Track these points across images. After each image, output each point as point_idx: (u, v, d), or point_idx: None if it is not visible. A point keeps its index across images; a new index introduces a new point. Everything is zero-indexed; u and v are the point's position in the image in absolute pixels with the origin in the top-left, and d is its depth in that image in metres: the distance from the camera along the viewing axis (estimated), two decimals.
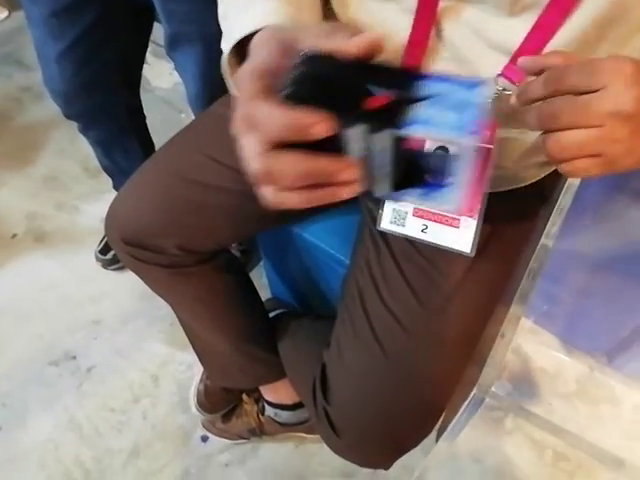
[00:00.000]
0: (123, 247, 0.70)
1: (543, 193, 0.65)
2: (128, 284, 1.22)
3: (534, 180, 0.60)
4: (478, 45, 0.44)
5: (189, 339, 0.84)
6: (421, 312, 0.57)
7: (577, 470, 0.92)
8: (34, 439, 0.99)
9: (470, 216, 0.54)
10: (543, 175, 0.60)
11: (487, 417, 0.99)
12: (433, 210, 0.55)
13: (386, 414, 0.57)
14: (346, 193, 0.31)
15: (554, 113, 0.34)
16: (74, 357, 1.10)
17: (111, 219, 0.72)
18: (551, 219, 0.65)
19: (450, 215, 0.55)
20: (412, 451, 0.89)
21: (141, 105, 1.07)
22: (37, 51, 0.87)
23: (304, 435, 0.93)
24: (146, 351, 1.11)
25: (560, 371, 1.07)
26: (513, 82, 0.43)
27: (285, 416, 0.87)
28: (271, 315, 0.93)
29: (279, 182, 0.31)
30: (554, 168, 0.61)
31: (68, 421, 1.01)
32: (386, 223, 0.56)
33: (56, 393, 1.05)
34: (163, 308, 1.18)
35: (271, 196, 0.32)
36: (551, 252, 1.11)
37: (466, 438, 0.96)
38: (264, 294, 1.05)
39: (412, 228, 0.56)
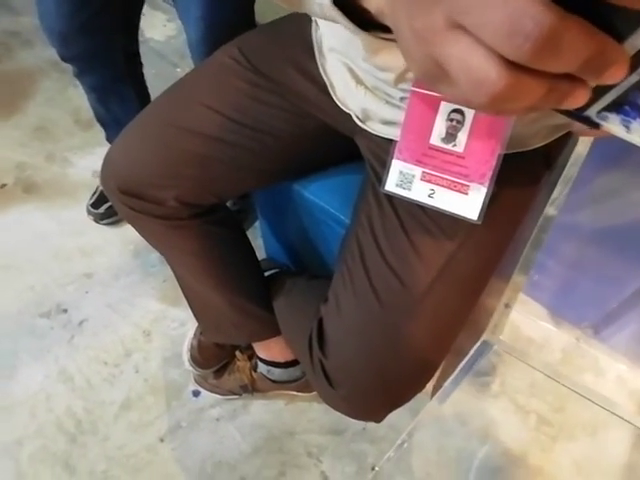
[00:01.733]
0: (119, 197, 0.69)
1: (548, 160, 0.64)
2: (120, 239, 1.21)
3: (540, 145, 0.59)
4: None
5: (184, 293, 0.84)
6: (421, 269, 0.57)
7: (559, 434, 0.95)
8: (25, 390, 0.99)
9: (480, 183, 0.53)
10: (550, 140, 0.59)
11: (474, 381, 1.02)
12: (444, 175, 0.54)
13: (381, 367, 0.58)
14: (579, 97, 0.22)
15: None
16: (65, 310, 1.10)
17: (108, 167, 0.70)
18: (557, 188, 0.65)
19: (460, 181, 0.54)
20: (400, 412, 0.91)
21: (139, 52, 1.03)
22: None
23: (295, 393, 0.95)
24: (138, 306, 1.10)
25: (547, 341, 1.10)
26: None
27: (277, 373, 0.88)
28: (266, 275, 0.92)
29: (560, 56, 0.19)
30: (562, 133, 0.60)
31: (59, 373, 1.01)
32: (391, 185, 0.55)
33: (47, 345, 1.05)
34: (156, 265, 1.18)
35: (514, 81, 0.20)
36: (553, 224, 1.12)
37: (453, 401, 0.99)
38: (259, 255, 1.05)
39: (418, 192, 0.54)
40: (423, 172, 0.54)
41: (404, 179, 0.55)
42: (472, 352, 0.43)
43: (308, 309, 0.70)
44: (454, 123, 0.53)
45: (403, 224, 0.59)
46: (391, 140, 0.59)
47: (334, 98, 0.63)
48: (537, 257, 1.13)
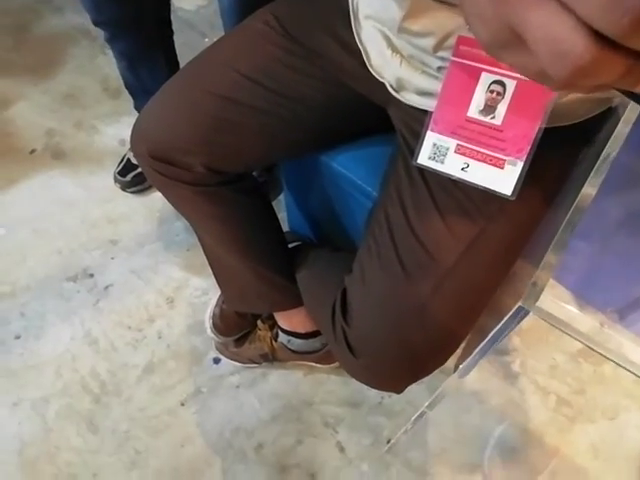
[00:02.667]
0: (149, 161, 0.69)
1: (587, 135, 0.62)
2: (146, 207, 1.22)
3: (580, 120, 0.57)
4: None
5: (208, 261, 0.85)
6: (451, 243, 0.56)
7: (578, 416, 0.95)
8: (52, 349, 1.02)
9: (518, 157, 0.51)
10: (591, 115, 0.57)
11: (494, 360, 1.01)
12: (480, 148, 0.52)
13: (404, 338, 0.58)
14: None
15: None
16: (91, 275, 1.12)
17: (138, 132, 0.70)
18: (596, 167, 0.63)
19: (496, 155, 0.52)
20: (418, 389, 0.92)
21: (170, 19, 1.03)
22: None
23: (314, 364, 0.96)
24: (162, 274, 1.12)
25: (570, 325, 1.08)
26: None
27: (298, 344, 0.89)
28: (289, 247, 0.93)
29: None
30: (604, 108, 0.58)
31: (85, 335, 1.04)
32: (424, 158, 0.54)
33: (73, 308, 1.07)
34: (180, 233, 1.19)
35: None
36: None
37: (472, 379, 0.98)
38: (283, 228, 1.05)
39: (452, 166, 0.53)
40: (458, 145, 0.53)
41: (438, 152, 0.54)
42: (508, 316, 0.43)
43: (331, 280, 0.70)
44: (494, 95, 0.51)
45: (434, 197, 0.58)
46: (425, 111, 0.58)
47: (368, 66, 0.62)
48: (572, 238, 1.11)
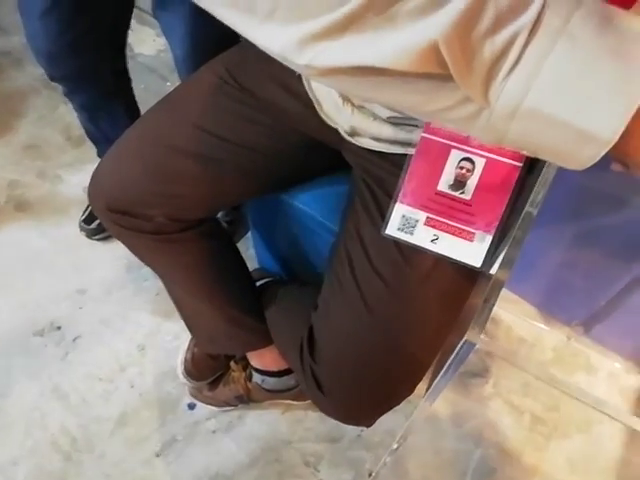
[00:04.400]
0: (108, 215, 0.69)
1: (530, 162, 0.66)
2: (113, 254, 1.21)
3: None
4: None
5: (176, 306, 0.84)
6: (409, 274, 0.58)
7: (553, 433, 0.96)
8: (20, 408, 0.99)
9: (486, 231, 0.53)
10: None
11: (467, 383, 1.02)
12: (450, 221, 0.54)
13: (370, 372, 0.59)
14: None
15: None
16: (59, 327, 1.10)
17: (95, 187, 0.71)
18: (535, 188, 0.67)
19: (466, 228, 0.54)
20: (396, 417, 0.92)
21: (127, 69, 1.05)
22: (20, 7, 0.84)
23: (290, 402, 0.95)
24: (132, 321, 1.11)
25: (538, 340, 1.11)
26: None
27: (272, 382, 0.89)
28: (258, 284, 0.93)
29: None
30: None
31: (53, 390, 1.01)
32: (392, 229, 0.55)
33: (41, 363, 1.04)
34: (149, 278, 1.18)
35: None
36: (534, 223, 1.13)
37: (447, 403, 0.99)
38: (251, 265, 1.05)
39: (421, 237, 0.54)
40: (428, 217, 0.54)
41: (407, 223, 0.55)
42: (455, 351, 0.44)
43: (299, 317, 0.71)
44: (464, 171, 0.53)
45: None
46: (381, 152, 0.60)
47: (320, 114, 0.64)
48: (527, 258, 1.15)
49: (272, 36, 0.29)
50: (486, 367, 1.04)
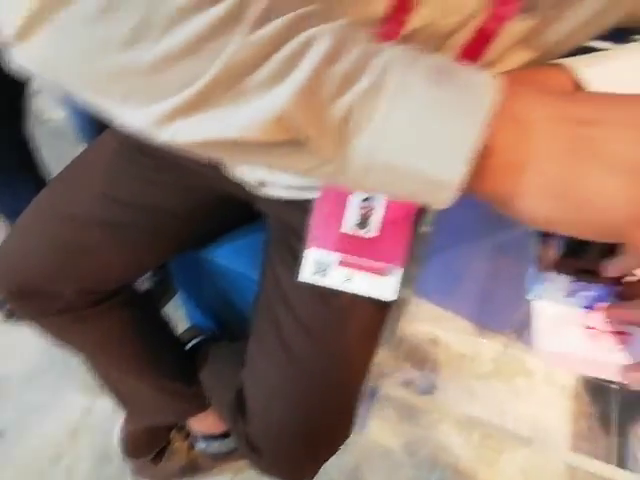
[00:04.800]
0: (16, 300, 0.65)
1: None
2: (34, 335, 1.13)
3: None
4: None
5: (103, 384, 0.79)
6: (329, 317, 0.58)
7: (503, 445, 0.98)
8: None
9: (396, 264, 0.55)
10: None
11: (415, 409, 1.03)
12: (360, 259, 0.55)
13: (302, 423, 0.57)
14: None
15: None
16: None
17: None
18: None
19: (376, 264, 0.55)
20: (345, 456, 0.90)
21: (29, 139, 1.00)
22: None
23: (240, 463, 0.91)
24: (61, 404, 1.03)
25: (477, 353, 1.14)
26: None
27: (216, 446, 0.85)
28: (191, 344, 0.90)
29: None
30: None
31: None
32: (306, 275, 0.55)
33: None
34: (75, 356, 1.11)
35: None
36: (451, 242, 1.18)
37: (398, 434, 0.99)
38: (184, 324, 1.02)
39: (336, 278, 0.55)
40: (340, 258, 0.55)
41: (320, 267, 0.55)
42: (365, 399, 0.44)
43: (230, 376, 0.69)
44: (365, 210, 0.55)
45: None
46: (291, 200, 0.60)
47: (225, 172, 0.64)
48: (454, 274, 1.19)
49: (132, 116, 0.30)
50: (433, 385, 1.06)
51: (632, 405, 1.03)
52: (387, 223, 0.55)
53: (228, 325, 0.93)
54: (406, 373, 1.11)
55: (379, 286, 0.55)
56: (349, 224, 0.55)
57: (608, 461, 0.91)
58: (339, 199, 0.55)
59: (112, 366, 0.75)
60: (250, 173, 0.61)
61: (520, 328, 1.14)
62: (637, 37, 0.43)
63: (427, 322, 1.16)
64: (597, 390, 1.08)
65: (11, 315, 1.13)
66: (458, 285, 1.17)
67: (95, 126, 0.87)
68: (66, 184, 0.67)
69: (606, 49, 0.42)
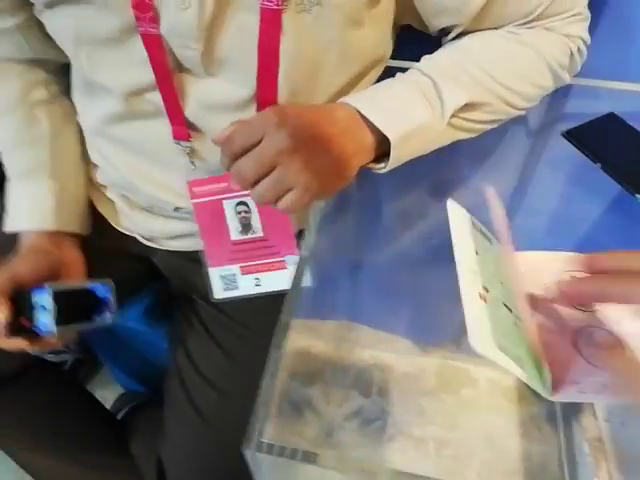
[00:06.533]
0: None
1: None
2: None
3: None
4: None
5: (24, 469, 0.74)
6: (231, 369, 0.57)
7: (459, 452, 0.98)
8: None
9: (292, 254, 0.57)
10: None
11: (368, 431, 1.02)
12: (259, 261, 0.57)
13: None
14: None
15: (240, 174, 0.37)
16: None
17: None
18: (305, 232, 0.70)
19: (275, 260, 0.57)
20: None
21: None
22: None
23: None
24: None
25: (420, 370, 1.15)
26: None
27: None
28: (122, 413, 0.87)
29: None
30: None
31: None
32: (219, 292, 0.57)
33: None
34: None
35: None
36: (374, 261, 1.19)
37: (356, 456, 0.97)
38: (115, 394, 0.98)
39: (246, 286, 0.57)
40: (240, 267, 0.57)
41: (227, 281, 0.57)
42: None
43: (152, 443, 0.66)
44: (243, 214, 0.56)
45: (211, 333, 0.59)
46: (185, 252, 0.60)
47: (115, 226, 0.63)
48: (383, 294, 1.20)
49: None
50: (381, 407, 1.05)
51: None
52: (267, 219, 0.57)
53: (156, 384, 0.90)
54: (354, 402, 1.10)
55: (287, 279, 0.56)
56: (235, 232, 0.57)
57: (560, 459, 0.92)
58: (215, 214, 0.56)
59: (30, 451, 0.70)
60: (135, 226, 0.61)
61: (458, 337, 1.16)
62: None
63: (367, 347, 1.16)
64: None
65: None
66: (389, 304, 1.19)
67: None
68: None
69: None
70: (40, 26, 0.48)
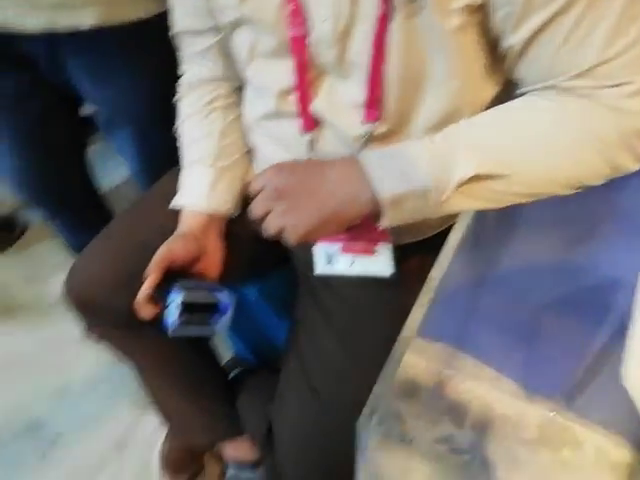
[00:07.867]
0: (81, 311, 0.73)
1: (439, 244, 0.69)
2: (94, 349, 1.22)
3: (440, 230, 0.65)
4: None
5: (150, 398, 0.85)
6: (345, 351, 0.61)
7: None
8: None
9: (385, 241, 0.60)
10: (447, 226, 0.65)
11: (452, 463, 0.99)
12: (356, 243, 0.61)
13: (325, 459, 0.59)
14: None
15: (250, 211, 0.51)
16: (39, 426, 1.09)
17: (68, 283, 0.74)
18: (442, 253, 0.69)
19: (370, 246, 0.60)
20: None
21: (98, 196, 1.13)
22: None
23: None
24: (113, 416, 1.10)
25: (522, 417, 1.09)
26: None
27: (246, 475, 0.87)
28: (232, 374, 0.95)
29: None
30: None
31: None
32: (320, 267, 0.61)
33: (19, 464, 1.03)
34: (130, 372, 1.19)
35: None
36: (491, 297, 1.14)
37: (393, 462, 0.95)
38: (228, 355, 1.07)
39: (342, 265, 0.61)
40: (340, 246, 0.61)
41: (328, 258, 0.61)
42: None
43: (263, 408, 0.72)
44: None
45: (332, 320, 0.63)
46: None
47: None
48: (497, 333, 1.15)
49: None
50: (471, 442, 1.02)
51: None
52: None
53: (267, 359, 0.97)
54: (445, 428, 1.07)
55: (375, 264, 0.60)
56: None
57: None
58: None
59: (161, 383, 0.80)
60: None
61: (571, 394, 1.08)
62: None
63: (469, 379, 1.13)
64: None
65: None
66: (504, 341, 1.14)
67: (149, 174, 0.94)
68: (134, 215, 0.76)
69: None
70: (224, 48, 0.62)
